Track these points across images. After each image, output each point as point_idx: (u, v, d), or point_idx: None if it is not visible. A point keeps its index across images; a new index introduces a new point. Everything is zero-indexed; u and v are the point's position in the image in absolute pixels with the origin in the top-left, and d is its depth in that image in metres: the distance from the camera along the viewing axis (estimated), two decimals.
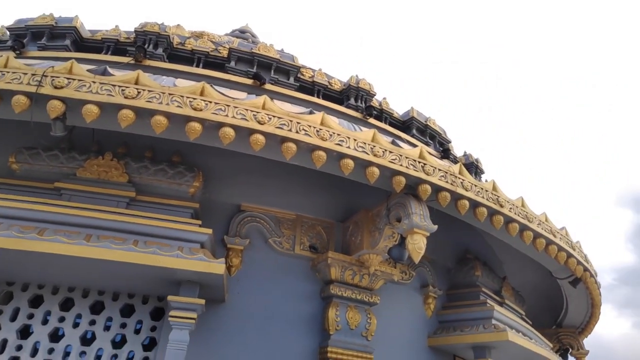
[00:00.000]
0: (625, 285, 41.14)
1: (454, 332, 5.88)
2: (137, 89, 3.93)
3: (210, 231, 4.40)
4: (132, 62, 6.43)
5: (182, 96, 3.98)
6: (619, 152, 45.13)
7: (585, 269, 6.39)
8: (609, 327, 40.40)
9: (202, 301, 4.10)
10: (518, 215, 5.20)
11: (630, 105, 44.06)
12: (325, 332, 5.05)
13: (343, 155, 4.31)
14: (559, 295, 7.80)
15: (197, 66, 7.26)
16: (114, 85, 3.90)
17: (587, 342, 9.21)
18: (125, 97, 3.87)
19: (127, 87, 3.92)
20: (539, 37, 47.59)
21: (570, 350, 9.08)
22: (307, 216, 5.60)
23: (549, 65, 48.19)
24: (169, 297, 4.05)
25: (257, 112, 4.11)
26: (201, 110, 3.96)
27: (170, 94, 3.96)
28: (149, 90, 3.94)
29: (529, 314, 7.66)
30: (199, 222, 4.59)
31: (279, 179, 5.21)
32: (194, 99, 3.99)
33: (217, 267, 4.01)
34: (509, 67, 48.97)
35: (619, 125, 45.44)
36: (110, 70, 4.81)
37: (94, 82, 3.89)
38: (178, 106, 3.93)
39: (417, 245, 4.34)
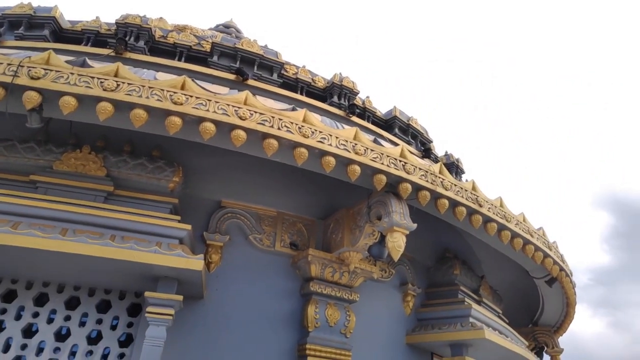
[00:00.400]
0: (600, 285, 42.16)
1: (432, 330, 5.93)
2: (116, 81, 3.86)
3: (189, 227, 4.36)
4: (113, 54, 6.33)
5: (162, 90, 3.93)
6: (602, 153, 46.05)
7: (561, 269, 6.51)
8: (584, 326, 41.31)
9: (180, 297, 4.06)
10: (496, 215, 5.27)
11: (625, 105, 44.76)
12: (304, 329, 5.05)
13: (325, 153, 4.31)
14: (535, 294, 7.93)
15: (179, 60, 7.18)
16: (92, 77, 3.83)
17: (562, 340, 9.39)
18: (104, 90, 3.80)
19: (106, 79, 3.85)
20: (536, 35, 48.14)
21: (546, 348, 9.25)
22: (288, 213, 5.59)
23: (545, 64, 48.80)
24: (146, 293, 4.00)
25: (239, 108, 4.08)
26: (182, 104, 3.92)
27: (150, 87, 3.90)
28: (129, 83, 3.88)
29: (506, 313, 7.77)
30: (178, 217, 4.54)
31: (260, 175, 5.18)
32: (175, 92, 3.95)
33: (196, 263, 3.98)
34: (505, 66, 49.47)
35: (610, 124, 46.25)
36: (89, 62, 4.73)
37: (72, 73, 3.81)
38: (158, 100, 3.88)
39: (397, 244, 4.37)
